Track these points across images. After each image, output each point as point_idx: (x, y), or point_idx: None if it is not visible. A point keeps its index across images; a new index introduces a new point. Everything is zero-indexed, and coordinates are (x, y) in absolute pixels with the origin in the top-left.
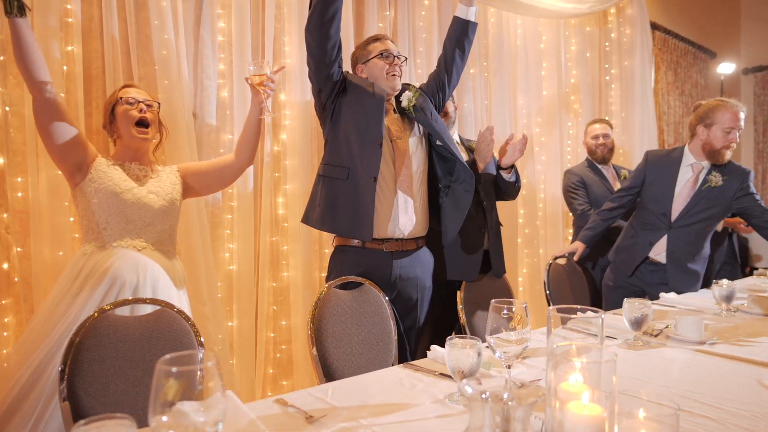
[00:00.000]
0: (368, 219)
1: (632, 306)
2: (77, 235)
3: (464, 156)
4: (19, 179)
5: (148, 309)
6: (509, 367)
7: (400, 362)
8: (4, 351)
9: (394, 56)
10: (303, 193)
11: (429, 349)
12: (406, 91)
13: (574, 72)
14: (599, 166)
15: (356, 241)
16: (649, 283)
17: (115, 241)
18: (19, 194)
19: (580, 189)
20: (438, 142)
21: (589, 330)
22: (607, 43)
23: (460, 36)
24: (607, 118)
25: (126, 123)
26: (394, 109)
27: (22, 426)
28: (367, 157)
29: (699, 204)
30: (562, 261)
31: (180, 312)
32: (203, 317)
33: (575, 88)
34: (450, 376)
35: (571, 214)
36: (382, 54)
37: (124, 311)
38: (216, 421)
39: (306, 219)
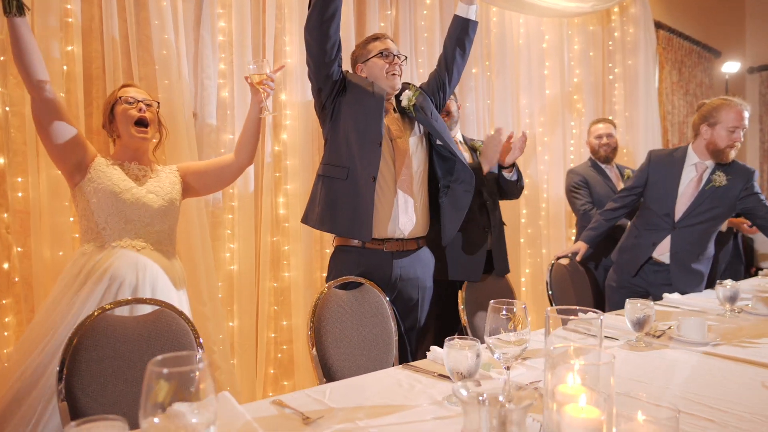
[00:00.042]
0: (368, 219)
1: (634, 307)
2: (77, 235)
3: (467, 155)
4: (20, 179)
5: (146, 309)
6: (508, 368)
7: (400, 363)
8: (5, 351)
9: (394, 55)
10: (304, 193)
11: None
12: (406, 90)
13: (577, 71)
14: (602, 166)
15: (356, 241)
16: (652, 283)
17: (114, 241)
18: (20, 194)
19: (583, 189)
20: (438, 142)
21: (590, 331)
22: (610, 42)
23: (460, 35)
24: (610, 118)
25: (125, 122)
26: (394, 109)
27: (22, 425)
28: (367, 157)
29: (703, 204)
30: (564, 261)
31: (179, 312)
32: (203, 317)
33: (578, 87)
34: (449, 377)
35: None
36: (381, 53)
37: (123, 311)
38: (208, 423)
39: (306, 219)
